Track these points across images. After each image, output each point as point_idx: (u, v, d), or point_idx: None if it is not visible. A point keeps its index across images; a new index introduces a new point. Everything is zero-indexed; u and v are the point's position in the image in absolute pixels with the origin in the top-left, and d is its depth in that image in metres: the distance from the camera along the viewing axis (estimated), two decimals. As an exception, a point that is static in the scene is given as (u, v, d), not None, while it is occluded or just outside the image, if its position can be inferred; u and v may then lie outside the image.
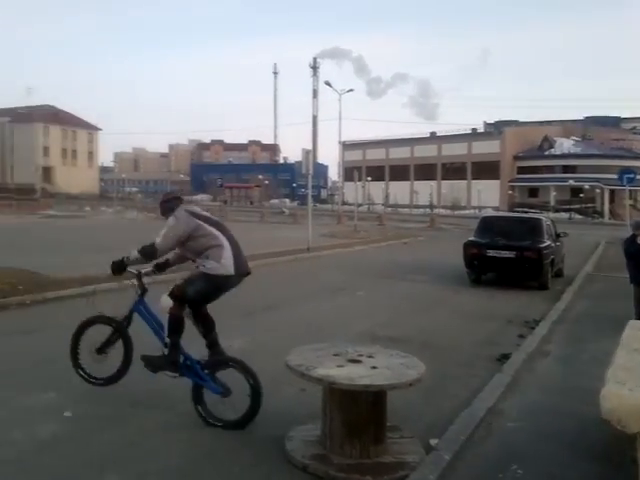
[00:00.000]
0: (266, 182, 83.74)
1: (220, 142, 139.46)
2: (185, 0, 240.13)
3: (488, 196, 61.95)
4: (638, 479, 3.37)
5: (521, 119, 78.59)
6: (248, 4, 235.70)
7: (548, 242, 12.22)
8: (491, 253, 11.91)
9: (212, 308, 8.79)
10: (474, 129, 74.71)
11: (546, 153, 65.24)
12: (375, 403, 3.95)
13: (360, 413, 3.90)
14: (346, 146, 75.84)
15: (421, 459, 3.92)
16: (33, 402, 4.89)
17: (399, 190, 73.06)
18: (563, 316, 8.84)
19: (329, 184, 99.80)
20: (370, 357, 4.22)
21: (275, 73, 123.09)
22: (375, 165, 75.52)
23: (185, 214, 4.57)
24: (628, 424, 3.29)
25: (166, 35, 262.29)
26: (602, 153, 61.38)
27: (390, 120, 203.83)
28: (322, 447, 4.04)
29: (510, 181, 66.04)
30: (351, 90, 51.75)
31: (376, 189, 68.74)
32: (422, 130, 79.85)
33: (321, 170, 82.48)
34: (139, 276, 4.82)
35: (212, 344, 4.76)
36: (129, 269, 4.78)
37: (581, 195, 58.57)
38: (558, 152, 64.40)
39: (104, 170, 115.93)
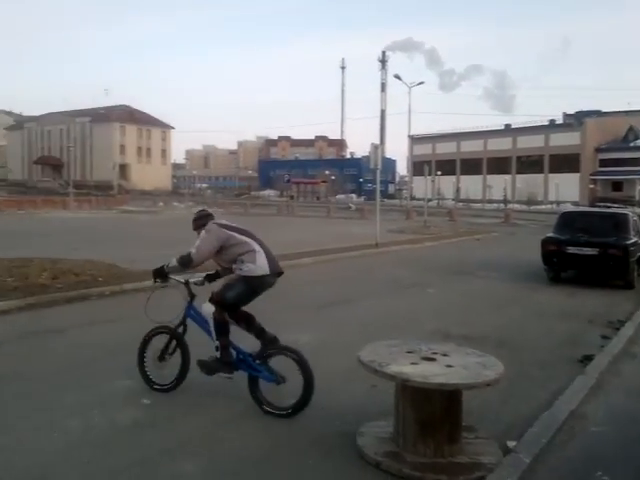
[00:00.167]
0: (332, 177, 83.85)
1: (287, 138, 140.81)
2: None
3: (567, 190, 59.56)
4: None
5: (604, 109, 74.23)
6: None
7: (635, 239, 11.59)
8: (571, 250, 11.40)
9: (279, 302, 8.89)
10: (552, 120, 71.45)
11: (631, 144, 61.92)
12: (450, 402, 3.84)
13: (434, 412, 3.80)
14: (415, 140, 74.76)
15: (498, 461, 3.79)
16: (113, 389, 5.08)
17: (471, 184, 71.24)
18: (650, 317, 8.34)
19: (397, 179, 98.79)
20: (445, 355, 4.11)
21: (343, 68, 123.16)
22: (445, 159, 74.03)
23: (216, 227, 4.84)
24: None
25: (234, 34, 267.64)
26: (692, 143, 57.67)
27: (461, 113, 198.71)
28: (395, 444, 3.97)
29: (591, 174, 63.10)
30: (421, 83, 51.08)
31: (446, 184, 67.34)
32: (495, 122, 77.27)
33: (389, 165, 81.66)
34: (187, 284, 5.06)
35: (259, 334, 4.90)
36: (173, 277, 5.02)
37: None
38: (644, 143, 61.09)
39: (176, 167, 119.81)
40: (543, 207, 57.51)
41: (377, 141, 30.37)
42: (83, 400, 4.79)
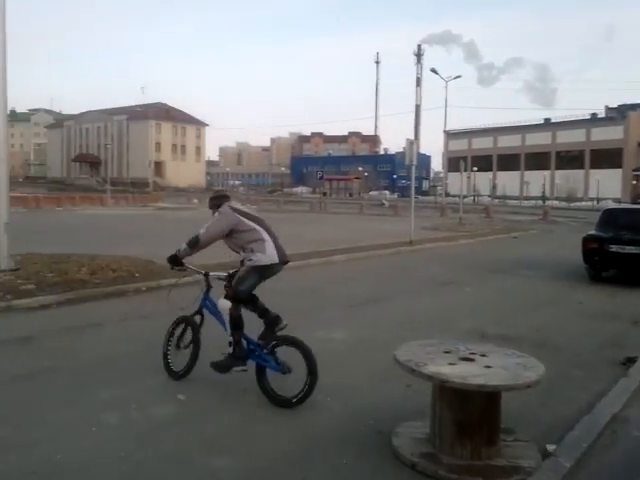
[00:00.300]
0: (366, 174, 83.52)
1: (320, 134, 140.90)
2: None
3: (608, 186, 57.98)
4: None
5: (649, 102, 71.87)
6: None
7: (680, 237, 11.17)
8: (614, 248, 11.07)
9: (314, 300, 8.86)
10: (594, 114, 69.54)
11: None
12: (489, 404, 3.75)
13: (472, 413, 3.73)
14: (450, 135, 73.80)
15: (538, 465, 3.69)
16: (149, 384, 5.13)
17: (508, 181, 70.00)
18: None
19: (431, 175, 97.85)
20: (483, 356, 4.02)
21: (377, 62, 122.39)
22: (481, 154, 72.90)
23: (229, 210, 4.90)
24: None
25: (267, 31, 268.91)
26: None
27: (498, 107, 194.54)
28: (431, 446, 3.90)
29: (634, 170, 61.23)
30: (458, 77, 50.42)
31: (482, 180, 66.21)
32: (534, 117, 75.30)
33: (423, 161, 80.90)
34: (207, 276, 5.22)
35: (262, 313, 5.04)
36: (193, 268, 5.27)
37: None
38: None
39: (210, 164, 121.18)
40: (583, 204, 56.17)
41: (411, 137, 30.06)
42: (120, 395, 4.85)
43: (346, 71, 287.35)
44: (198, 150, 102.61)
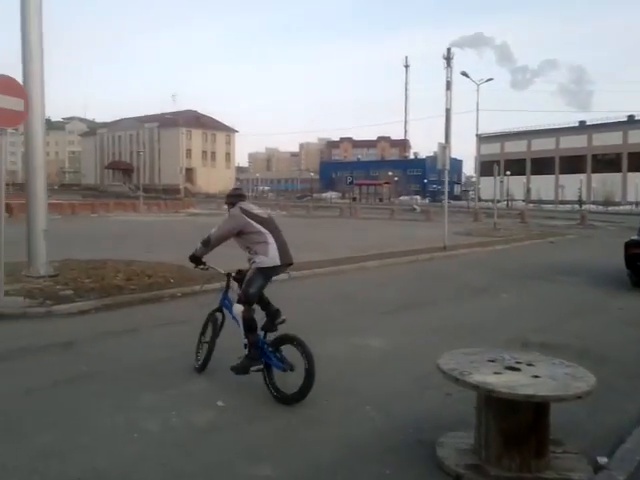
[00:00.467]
0: (396, 178, 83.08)
1: (349, 139, 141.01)
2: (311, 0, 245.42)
3: (647, 190, 56.49)
4: None
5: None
6: None
7: None
8: None
9: (348, 306, 8.79)
10: (631, 116, 67.67)
11: None
12: (537, 414, 3.64)
13: (520, 424, 3.62)
14: (482, 139, 72.95)
15: (589, 478, 3.58)
16: (188, 390, 5.14)
17: (542, 185, 68.79)
18: None
19: (463, 180, 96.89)
20: (530, 365, 3.91)
21: (406, 66, 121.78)
22: (515, 158, 71.87)
23: (239, 212, 5.14)
24: None
25: (295, 37, 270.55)
26: None
27: (531, 110, 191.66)
28: (477, 457, 3.80)
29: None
30: (490, 79, 49.66)
31: (515, 184, 65.19)
32: (568, 119, 73.69)
33: (455, 165, 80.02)
34: (228, 276, 5.47)
35: (265, 306, 5.23)
36: (215, 268, 5.56)
37: None
38: None
39: (240, 170, 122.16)
40: (621, 208, 54.82)
41: (442, 141, 29.74)
42: (160, 400, 4.87)
43: (375, 76, 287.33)
44: (228, 156, 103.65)
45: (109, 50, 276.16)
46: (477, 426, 3.85)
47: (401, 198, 75.26)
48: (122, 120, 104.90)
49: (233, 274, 5.43)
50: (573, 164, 67.48)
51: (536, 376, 3.71)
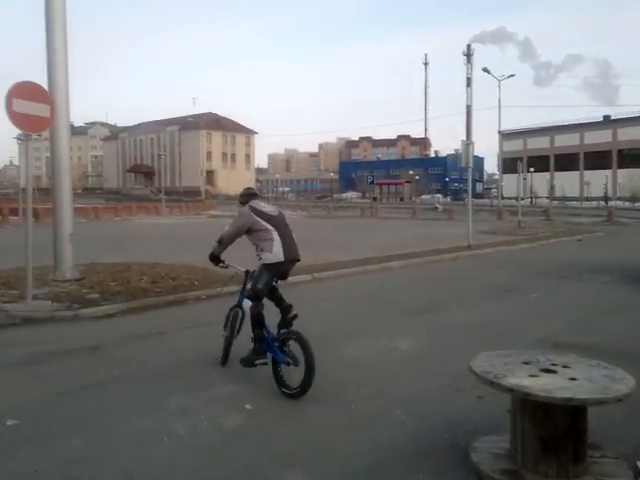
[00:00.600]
0: (417, 177, 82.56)
1: (368, 139, 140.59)
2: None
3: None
4: None
5: None
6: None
7: None
8: None
9: (374, 308, 8.71)
10: (657, 110, 66.71)
11: None
12: (575, 418, 3.54)
13: (557, 428, 3.52)
14: (505, 135, 72.05)
15: (630, 484, 3.46)
16: (216, 393, 5.12)
17: (566, 181, 67.68)
18: None
19: (484, 177, 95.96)
20: (566, 367, 3.80)
21: (425, 64, 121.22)
22: (538, 155, 70.73)
23: (247, 211, 5.36)
24: None
25: (313, 37, 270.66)
26: None
27: (554, 105, 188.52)
28: (512, 462, 3.70)
29: None
30: (512, 75, 49.01)
31: (539, 181, 64.19)
32: (592, 114, 72.07)
33: (477, 163, 78.94)
34: (247, 272, 5.64)
35: (278, 302, 5.40)
36: (234, 266, 5.75)
37: None
38: None
39: (259, 171, 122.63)
40: (650, 204, 53.75)
41: (463, 138, 29.39)
42: (188, 404, 4.85)
43: (394, 74, 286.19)
44: (248, 158, 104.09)
45: (129, 55, 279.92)
46: (512, 430, 3.76)
47: (422, 197, 74.67)
48: (143, 124, 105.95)
49: (251, 271, 5.59)
50: (598, 160, 66.27)
51: (573, 378, 3.60)
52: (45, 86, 9.43)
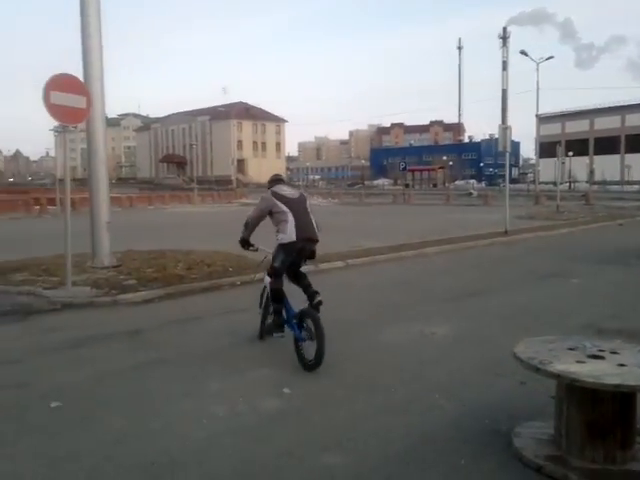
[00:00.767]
0: (450, 163, 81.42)
1: (400, 125, 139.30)
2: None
3: None
4: None
5: None
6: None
7: None
8: None
9: (411, 293, 8.63)
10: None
11: None
12: (623, 404, 3.44)
13: (605, 414, 3.43)
14: (542, 119, 70.45)
15: (679, 471, 3.35)
16: (253, 377, 5.14)
17: (606, 165, 65.86)
18: None
19: (520, 162, 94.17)
20: (614, 353, 3.70)
21: (459, 48, 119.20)
22: (576, 138, 69.00)
23: (268, 195, 5.69)
24: None
25: (344, 24, 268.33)
26: None
27: (594, 87, 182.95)
28: (556, 448, 3.63)
29: None
30: (550, 57, 47.52)
31: (577, 165, 62.60)
32: (634, 96, 69.63)
33: (513, 147, 77.72)
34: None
35: (306, 288, 5.72)
36: (264, 248, 5.97)
37: None
38: None
39: (290, 159, 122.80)
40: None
41: (498, 123, 28.80)
42: (226, 387, 4.89)
43: (426, 59, 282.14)
44: (278, 146, 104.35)
45: (160, 46, 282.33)
46: (557, 416, 3.67)
47: (456, 183, 73.69)
48: (174, 114, 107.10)
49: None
50: (640, 142, 64.42)
51: (622, 364, 3.50)
52: (81, 78, 9.54)
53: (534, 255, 13.22)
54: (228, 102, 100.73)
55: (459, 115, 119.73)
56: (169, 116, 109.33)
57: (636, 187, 53.72)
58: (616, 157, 67.12)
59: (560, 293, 8.89)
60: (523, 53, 45.15)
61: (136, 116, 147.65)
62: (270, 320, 5.81)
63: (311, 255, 5.72)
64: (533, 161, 64.77)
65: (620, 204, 32.62)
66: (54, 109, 8.36)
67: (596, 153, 69.54)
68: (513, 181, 70.17)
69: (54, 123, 8.63)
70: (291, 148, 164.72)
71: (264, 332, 6.06)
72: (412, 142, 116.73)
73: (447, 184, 71.61)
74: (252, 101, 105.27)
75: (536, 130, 57.38)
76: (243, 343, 6.14)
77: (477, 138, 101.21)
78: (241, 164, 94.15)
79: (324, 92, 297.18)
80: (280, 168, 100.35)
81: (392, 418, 4.25)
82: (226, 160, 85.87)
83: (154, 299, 8.41)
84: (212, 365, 5.47)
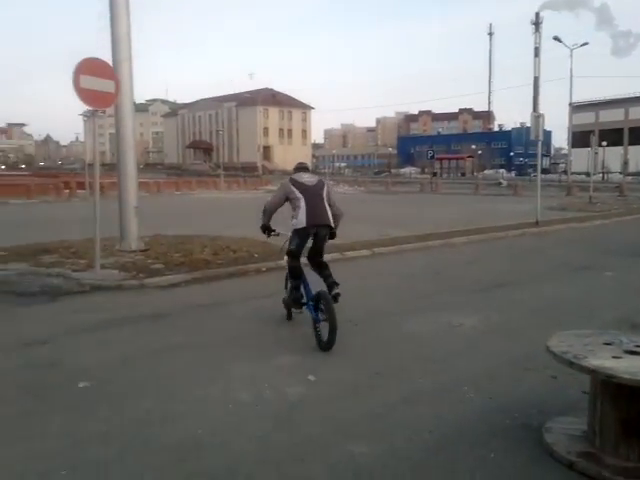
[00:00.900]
0: (479, 152, 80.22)
1: (428, 112, 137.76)
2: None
3: None
4: None
5: None
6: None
7: None
8: None
9: (438, 284, 8.52)
10: None
11: None
12: (660, 402, 3.32)
13: (641, 411, 3.31)
14: (575, 108, 68.93)
15: None
16: (278, 363, 5.13)
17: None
18: None
19: (552, 152, 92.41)
20: (652, 349, 3.57)
21: (490, 34, 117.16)
22: (610, 128, 67.27)
23: (287, 181, 5.93)
24: None
25: (372, 10, 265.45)
26: None
27: (629, 75, 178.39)
28: (589, 444, 3.53)
29: None
30: (585, 44, 46.20)
31: (611, 155, 60.85)
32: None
33: (544, 136, 76.26)
34: None
35: (326, 278, 5.88)
36: (284, 233, 6.15)
37: None
38: None
39: (316, 147, 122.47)
40: None
41: (529, 111, 28.23)
42: (252, 373, 4.87)
43: (456, 46, 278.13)
44: (304, 133, 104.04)
45: (188, 32, 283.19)
46: (591, 412, 3.57)
47: (485, 172, 72.56)
48: (202, 100, 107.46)
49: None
50: (678, 133, 62.65)
51: (660, 361, 3.38)
52: (110, 63, 9.57)
53: (566, 247, 12.96)
54: (254, 89, 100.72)
55: (489, 103, 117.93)
56: (196, 102, 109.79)
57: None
58: (652, 147, 65.43)
59: (593, 286, 8.68)
60: (556, 39, 43.96)
61: (164, 102, 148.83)
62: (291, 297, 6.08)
63: (331, 236, 5.98)
64: (565, 151, 63.48)
65: (656, 196, 31.77)
66: (84, 93, 8.41)
67: (631, 143, 67.82)
68: (544, 171, 68.70)
69: (84, 108, 8.69)
70: (317, 135, 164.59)
71: (289, 312, 6.36)
72: (440, 130, 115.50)
73: (476, 173, 70.67)
74: (278, 87, 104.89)
75: (569, 119, 55.96)
76: (268, 329, 6.14)
77: (507, 127, 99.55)
78: (267, 151, 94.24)
79: (351, 79, 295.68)
80: (306, 155, 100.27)
81: (420, 409, 4.19)
82: (252, 147, 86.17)
83: (180, 283, 8.46)
84: (237, 350, 5.47)
